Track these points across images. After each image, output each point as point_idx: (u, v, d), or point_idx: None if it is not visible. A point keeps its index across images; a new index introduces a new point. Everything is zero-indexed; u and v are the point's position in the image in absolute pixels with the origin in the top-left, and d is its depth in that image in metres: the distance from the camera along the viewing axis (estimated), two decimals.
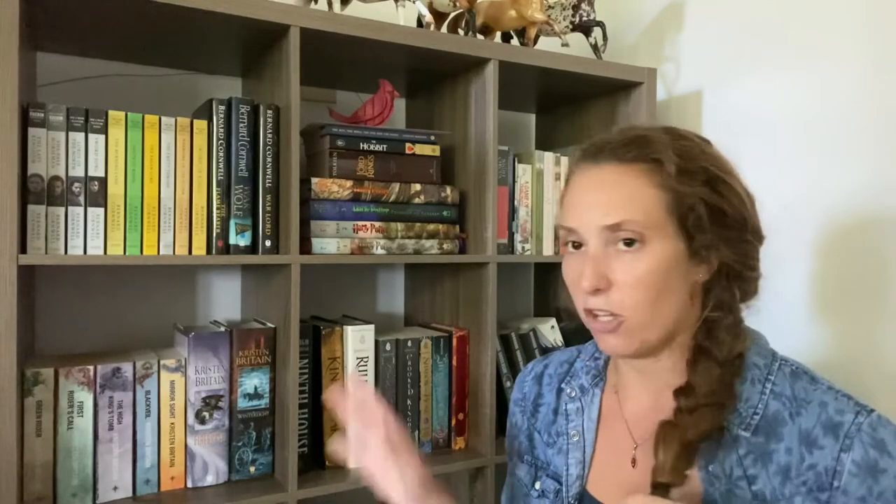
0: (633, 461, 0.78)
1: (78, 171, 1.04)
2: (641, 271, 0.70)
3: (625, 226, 0.70)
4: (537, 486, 0.85)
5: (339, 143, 1.23)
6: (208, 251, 1.13)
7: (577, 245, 0.75)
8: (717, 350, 0.72)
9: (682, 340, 0.75)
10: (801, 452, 0.68)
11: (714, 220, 0.71)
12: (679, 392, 0.72)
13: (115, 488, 1.10)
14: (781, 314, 1.32)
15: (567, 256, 0.77)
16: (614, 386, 0.84)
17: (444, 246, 1.32)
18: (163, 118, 1.09)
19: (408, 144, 1.30)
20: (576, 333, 1.48)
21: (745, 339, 0.74)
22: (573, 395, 0.86)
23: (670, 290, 0.71)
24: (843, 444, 0.67)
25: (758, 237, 0.75)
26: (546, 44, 1.47)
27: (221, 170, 1.13)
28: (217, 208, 1.13)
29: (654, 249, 0.70)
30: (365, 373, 1.27)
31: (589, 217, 0.72)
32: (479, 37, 1.39)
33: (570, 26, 1.47)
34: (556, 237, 0.86)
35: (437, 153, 1.33)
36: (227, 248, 1.14)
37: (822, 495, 0.66)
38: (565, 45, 1.44)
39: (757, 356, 0.75)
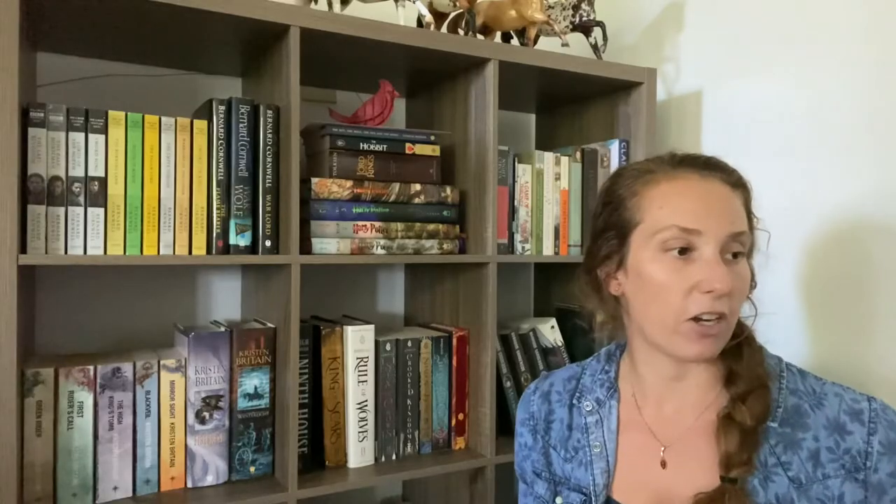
0: (663, 463, 0.81)
1: (78, 171, 1.04)
2: (746, 280, 0.78)
3: (743, 237, 0.77)
4: (558, 501, 0.88)
5: (339, 143, 1.23)
6: (208, 251, 1.13)
7: (684, 250, 0.77)
8: (752, 336, 0.82)
9: None
10: (835, 439, 0.76)
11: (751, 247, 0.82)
12: (728, 382, 0.80)
13: (115, 488, 1.10)
14: (781, 314, 1.32)
15: (665, 261, 0.77)
16: (632, 396, 0.88)
17: (444, 246, 1.32)
18: (163, 118, 1.09)
19: (408, 144, 1.30)
20: (576, 333, 1.48)
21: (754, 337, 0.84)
22: (590, 408, 0.89)
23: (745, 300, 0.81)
24: (870, 427, 0.75)
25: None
26: (546, 44, 1.48)
27: (221, 170, 1.13)
28: (217, 208, 1.13)
29: (747, 262, 0.80)
30: (365, 373, 1.27)
31: (717, 223, 0.76)
32: (479, 37, 1.39)
33: (570, 26, 1.47)
34: (611, 244, 0.84)
35: (437, 153, 1.33)
36: (227, 248, 1.14)
37: (859, 475, 0.74)
38: (565, 45, 1.44)
39: (768, 358, 0.83)
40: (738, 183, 0.80)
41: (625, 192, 0.83)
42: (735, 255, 0.77)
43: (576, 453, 0.87)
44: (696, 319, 0.75)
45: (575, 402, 0.91)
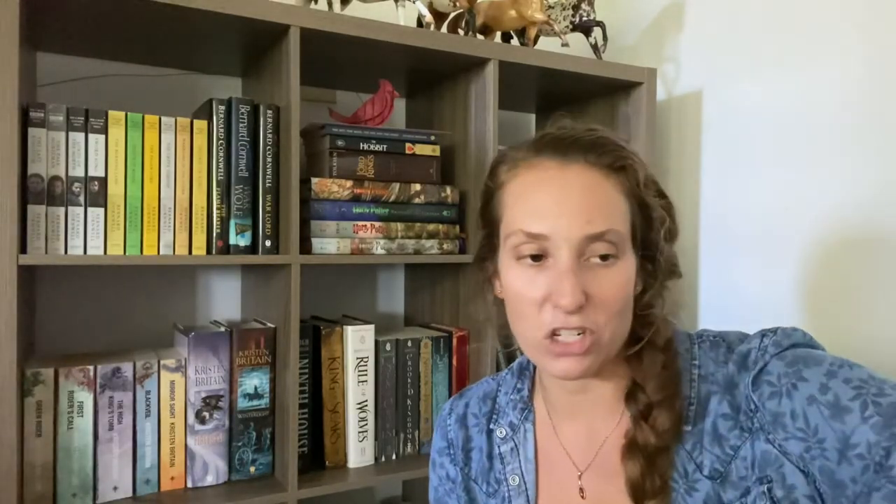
0: (581, 491, 0.72)
1: (78, 171, 1.04)
2: (618, 286, 0.65)
3: (608, 236, 0.64)
4: None
5: (339, 143, 1.23)
6: (208, 251, 1.13)
7: (538, 257, 0.65)
8: (656, 337, 0.69)
9: (620, 352, 0.70)
10: (727, 401, 0.66)
11: (658, 231, 0.68)
12: (629, 398, 0.69)
13: (115, 488, 1.10)
14: (781, 315, 1.32)
15: (518, 269, 0.67)
16: (546, 415, 0.78)
17: (444, 246, 1.32)
18: (163, 118, 1.09)
19: (408, 144, 1.30)
20: None
21: (670, 323, 0.71)
22: (503, 435, 0.78)
23: (629, 302, 0.67)
24: (754, 369, 0.64)
25: (675, 240, 0.73)
26: (546, 44, 1.47)
27: (221, 170, 1.13)
28: (217, 208, 1.13)
29: (626, 262, 0.66)
30: (365, 373, 1.27)
31: (565, 223, 0.63)
32: (479, 37, 1.39)
33: (570, 26, 1.47)
34: (486, 243, 0.74)
35: (437, 153, 1.33)
36: (227, 248, 1.14)
37: (755, 423, 0.63)
38: (565, 45, 1.44)
39: (678, 343, 0.72)
40: (613, 165, 0.66)
41: (494, 182, 0.72)
42: (606, 257, 0.64)
43: (498, 487, 0.77)
44: (556, 334, 0.65)
45: (492, 426, 0.80)
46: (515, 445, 0.77)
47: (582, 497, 0.72)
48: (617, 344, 0.68)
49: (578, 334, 0.64)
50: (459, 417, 0.84)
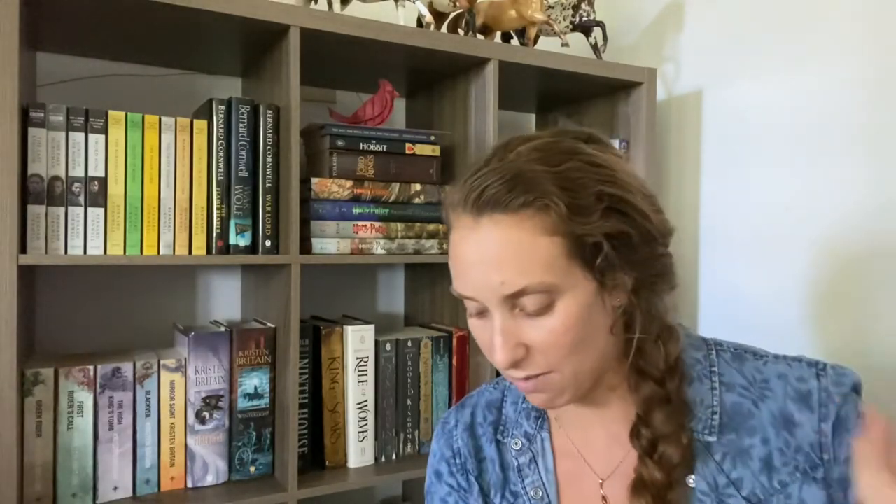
0: (604, 500, 0.71)
1: (78, 171, 1.04)
2: (559, 330, 0.61)
3: (528, 291, 0.60)
4: None
5: (339, 143, 1.23)
6: (208, 251, 1.13)
7: (481, 312, 0.65)
8: (651, 367, 0.67)
9: (617, 366, 0.69)
10: (784, 437, 0.65)
11: (622, 248, 0.62)
12: (632, 434, 0.67)
13: (115, 488, 1.10)
14: (780, 313, 1.32)
15: (472, 322, 0.67)
16: (558, 420, 0.76)
17: (444, 246, 1.32)
18: (163, 118, 1.09)
19: (408, 144, 1.30)
20: None
21: (677, 339, 0.68)
22: (519, 446, 0.76)
23: (592, 332, 0.63)
24: (821, 413, 0.64)
25: (667, 238, 0.67)
26: (546, 44, 1.47)
27: (221, 170, 1.13)
28: (217, 208, 1.13)
29: (566, 304, 0.61)
30: (365, 373, 1.27)
31: (484, 285, 0.62)
32: (479, 37, 1.39)
33: (570, 26, 1.47)
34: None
35: (437, 153, 1.33)
36: (227, 248, 1.14)
37: (817, 473, 0.63)
38: (565, 45, 1.44)
39: (693, 350, 0.70)
40: (524, 204, 0.60)
41: (447, 221, 0.68)
42: (544, 307, 0.61)
43: (515, 499, 0.75)
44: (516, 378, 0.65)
45: (500, 437, 0.78)
46: (534, 456, 0.75)
47: None
48: (589, 375, 0.66)
49: (532, 379, 0.64)
50: (467, 426, 0.81)
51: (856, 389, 0.66)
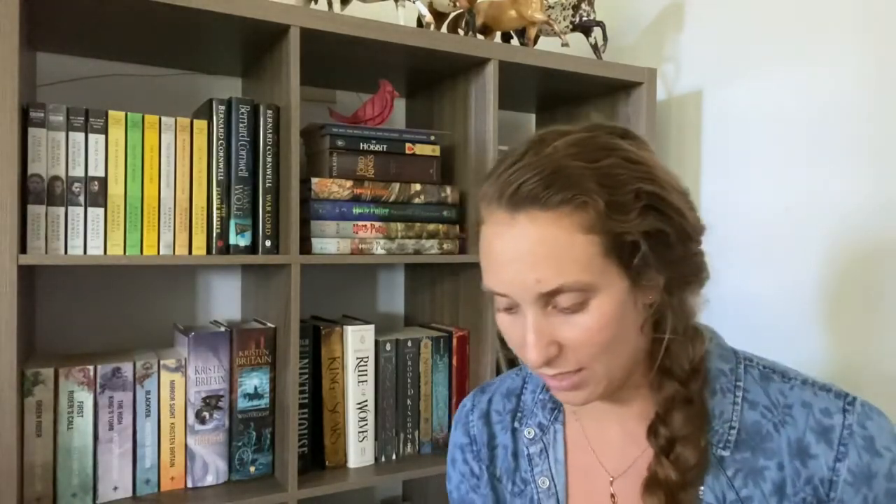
0: (613, 497, 0.71)
1: (78, 171, 1.04)
2: (594, 329, 0.61)
3: (564, 289, 0.60)
4: None
5: (339, 143, 1.23)
6: (208, 251, 1.13)
7: (510, 308, 0.64)
8: (676, 367, 0.66)
9: (643, 364, 0.69)
10: (796, 466, 0.64)
11: (658, 246, 0.61)
12: (650, 431, 0.67)
13: (115, 488, 1.10)
14: (781, 314, 1.32)
15: (501, 317, 0.66)
16: (574, 413, 0.76)
17: (444, 246, 1.32)
18: (163, 118, 1.09)
19: (408, 144, 1.30)
20: None
21: (703, 340, 0.68)
22: (532, 436, 0.77)
23: (624, 330, 0.63)
24: (839, 451, 0.63)
25: (700, 236, 0.66)
26: (546, 44, 1.47)
27: (221, 170, 1.13)
28: (217, 208, 1.13)
29: (600, 302, 0.61)
30: (365, 373, 1.27)
31: (519, 283, 0.61)
32: (479, 37, 1.39)
33: (570, 26, 1.47)
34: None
35: (437, 153, 1.33)
36: (227, 248, 1.14)
37: None
38: (565, 45, 1.44)
39: (721, 361, 0.69)
40: (562, 202, 0.59)
41: (479, 218, 0.67)
42: (578, 305, 0.61)
43: (524, 486, 0.76)
44: (548, 375, 0.64)
45: (517, 424, 0.78)
46: (545, 447, 0.76)
47: (614, 502, 0.71)
48: (619, 373, 0.66)
49: (566, 375, 0.64)
50: (483, 413, 0.82)
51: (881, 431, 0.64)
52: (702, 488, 0.66)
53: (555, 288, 0.60)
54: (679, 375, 0.66)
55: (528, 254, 0.60)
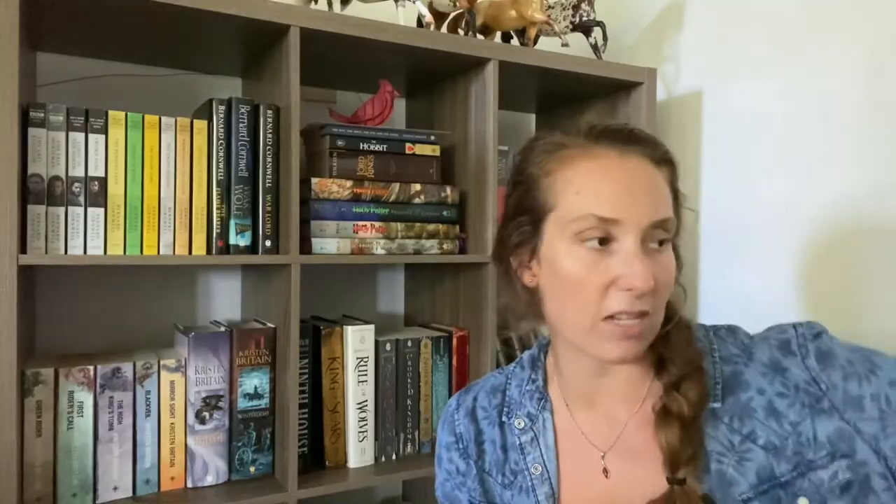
0: (605, 471, 0.74)
1: (78, 171, 1.04)
2: (671, 270, 0.69)
3: (668, 223, 0.68)
4: None
5: (339, 143, 1.24)
6: (208, 251, 1.13)
7: (603, 241, 0.67)
8: (681, 318, 0.74)
9: None
10: (780, 381, 0.69)
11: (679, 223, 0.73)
12: (660, 370, 0.73)
13: (115, 488, 1.10)
14: (780, 313, 1.32)
15: (583, 253, 0.68)
16: (563, 404, 0.79)
17: (444, 246, 1.32)
18: (163, 118, 1.09)
19: (408, 144, 1.30)
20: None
21: (680, 304, 0.76)
22: (522, 426, 0.80)
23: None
24: (801, 353, 0.70)
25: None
26: (546, 44, 1.47)
27: (221, 170, 1.13)
28: (217, 208, 1.13)
29: (670, 248, 0.70)
30: (365, 373, 1.27)
31: (638, 210, 0.66)
32: (479, 37, 1.39)
33: (570, 26, 1.47)
34: (523, 230, 0.74)
35: (437, 153, 1.33)
36: (227, 248, 1.14)
37: (822, 403, 0.67)
38: (565, 45, 1.44)
39: (697, 332, 0.76)
40: (662, 158, 0.71)
41: (537, 170, 0.72)
42: (661, 243, 0.68)
43: (515, 478, 0.78)
44: (615, 318, 0.66)
45: (504, 419, 0.81)
46: (535, 435, 0.78)
47: (606, 477, 0.74)
48: (658, 329, 0.71)
49: (640, 318, 0.67)
50: (469, 411, 0.85)
51: (824, 333, 0.72)
52: (707, 441, 0.69)
53: (665, 217, 0.68)
54: (683, 321, 0.74)
55: (644, 186, 0.68)
